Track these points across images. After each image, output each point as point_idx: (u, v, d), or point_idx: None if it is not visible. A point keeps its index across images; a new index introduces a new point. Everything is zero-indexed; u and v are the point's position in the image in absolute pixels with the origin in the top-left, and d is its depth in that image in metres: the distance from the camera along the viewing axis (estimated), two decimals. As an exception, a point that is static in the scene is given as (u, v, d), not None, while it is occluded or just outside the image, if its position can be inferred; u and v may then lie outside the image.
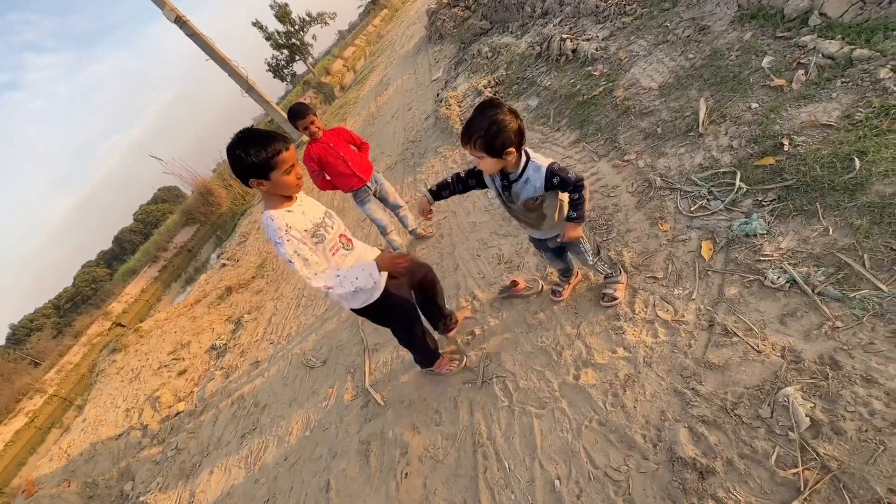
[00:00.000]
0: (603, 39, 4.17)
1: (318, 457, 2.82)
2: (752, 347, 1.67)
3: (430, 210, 1.93)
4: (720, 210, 2.14)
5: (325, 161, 3.19)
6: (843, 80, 2.14)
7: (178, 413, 4.61)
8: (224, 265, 8.13)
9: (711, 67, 2.84)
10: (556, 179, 1.69)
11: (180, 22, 9.18)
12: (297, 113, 3.02)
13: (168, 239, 14.43)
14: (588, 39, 4.31)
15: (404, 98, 8.71)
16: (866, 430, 1.32)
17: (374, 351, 3.26)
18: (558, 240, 1.93)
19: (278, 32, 43.64)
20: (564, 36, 4.62)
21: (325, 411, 3.12)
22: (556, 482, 1.78)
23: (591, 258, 2.07)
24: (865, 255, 1.61)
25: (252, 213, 9.62)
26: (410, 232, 3.97)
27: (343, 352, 3.56)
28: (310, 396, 3.40)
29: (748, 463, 1.45)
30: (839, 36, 2.32)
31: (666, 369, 1.83)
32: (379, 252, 2.01)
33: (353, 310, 2.01)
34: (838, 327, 1.53)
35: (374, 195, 3.55)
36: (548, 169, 1.69)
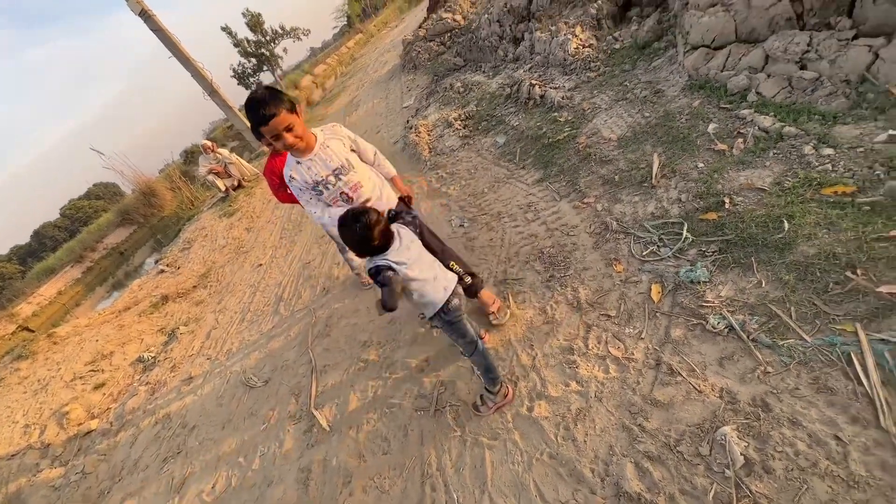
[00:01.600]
0: (569, 90, 4.46)
1: (251, 485, 2.62)
2: (694, 387, 1.77)
3: None
4: (668, 256, 2.31)
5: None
6: (774, 151, 2.42)
7: (88, 432, 4.13)
8: (162, 272, 7.58)
9: (664, 127, 3.11)
10: (371, 272, 1.80)
11: (145, 16, 8.82)
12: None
13: (98, 238, 13.31)
14: (556, 88, 4.61)
15: (374, 121, 8.78)
16: (792, 470, 1.43)
17: (323, 373, 3.14)
18: None
19: (248, 40, 42.98)
20: (534, 81, 4.90)
21: (263, 435, 2.93)
22: (506, 515, 1.77)
23: (463, 354, 2.08)
24: (792, 308, 1.78)
25: (200, 218, 9.11)
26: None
27: (288, 372, 3.39)
28: (247, 418, 3.18)
29: (689, 499, 1.52)
30: (772, 113, 2.64)
31: (615, 405, 1.90)
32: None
33: None
34: (769, 372, 1.67)
35: None
36: (368, 269, 1.81)
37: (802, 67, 2.73)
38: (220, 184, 8.83)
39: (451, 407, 2.32)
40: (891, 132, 2.09)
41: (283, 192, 3.03)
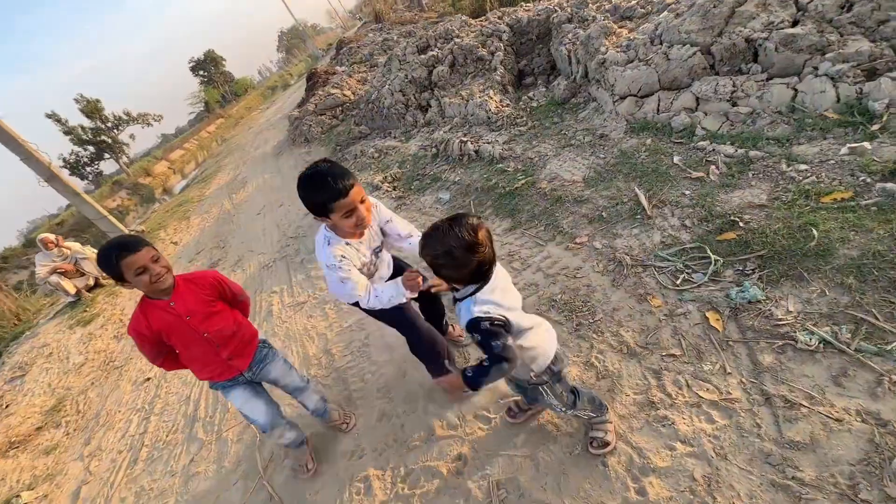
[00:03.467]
0: (504, 143, 4.52)
1: None
2: (828, 416, 1.56)
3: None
4: (706, 282, 2.19)
5: (174, 339, 1.84)
6: (752, 171, 2.58)
7: None
8: (-24, 416, 5.34)
9: (627, 164, 3.21)
10: (476, 336, 1.33)
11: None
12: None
13: None
14: (489, 142, 4.64)
15: (270, 196, 8.01)
16: None
17: (304, 513, 2.25)
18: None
19: (83, 127, 38.53)
20: (463, 139, 4.90)
21: None
22: None
23: (564, 410, 1.69)
24: (874, 310, 1.73)
25: (38, 334, 6.87)
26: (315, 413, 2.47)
27: (242, 524, 2.38)
28: None
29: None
30: (728, 142, 2.87)
31: (747, 459, 1.58)
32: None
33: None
34: (897, 381, 1.54)
35: (252, 381, 2.14)
36: (469, 320, 1.33)
37: (733, 105, 3.08)
38: (69, 285, 6.90)
39: (527, 516, 1.74)
40: (850, 146, 2.36)
41: (167, 357, 1.94)
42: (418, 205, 4.59)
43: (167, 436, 3.45)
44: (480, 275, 1.32)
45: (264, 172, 9.87)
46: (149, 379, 4.42)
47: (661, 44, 3.59)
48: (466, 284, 1.35)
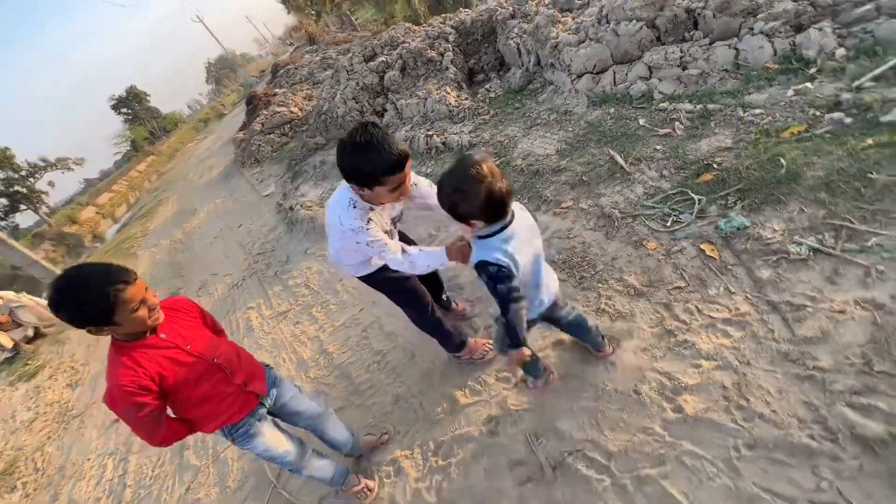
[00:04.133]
0: (470, 132, 4.61)
1: None
2: (831, 311, 1.70)
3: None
4: (693, 220, 2.34)
5: (179, 380, 1.43)
6: (713, 122, 2.80)
7: None
8: None
9: (597, 132, 3.37)
10: (482, 279, 1.36)
11: None
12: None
13: None
14: (456, 133, 4.71)
15: (226, 219, 7.66)
16: None
17: (336, 505, 2.13)
18: None
19: (-8, 179, 35.30)
20: (428, 133, 4.94)
21: None
22: (769, 545, 1.30)
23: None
24: (850, 217, 1.92)
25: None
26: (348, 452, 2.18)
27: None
28: None
29: (936, 411, 1.35)
30: (686, 101, 3.10)
31: (768, 361, 1.68)
32: None
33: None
34: (882, 270, 1.71)
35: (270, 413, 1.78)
36: (477, 262, 1.36)
37: (684, 69, 3.33)
38: (4, 339, 6.19)
39: (572, 455, 1.75)
40: (794, 88, 2.63)
41: (169, 423, 1.48)
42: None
43: (153, 471, 3.16)
44: (495, 210, 1.30)
45: (214, 198, 9.43)
46: (118, 420, 4.03)
47: (608, 23, 3.84)
48: (488, 223, 1.33)
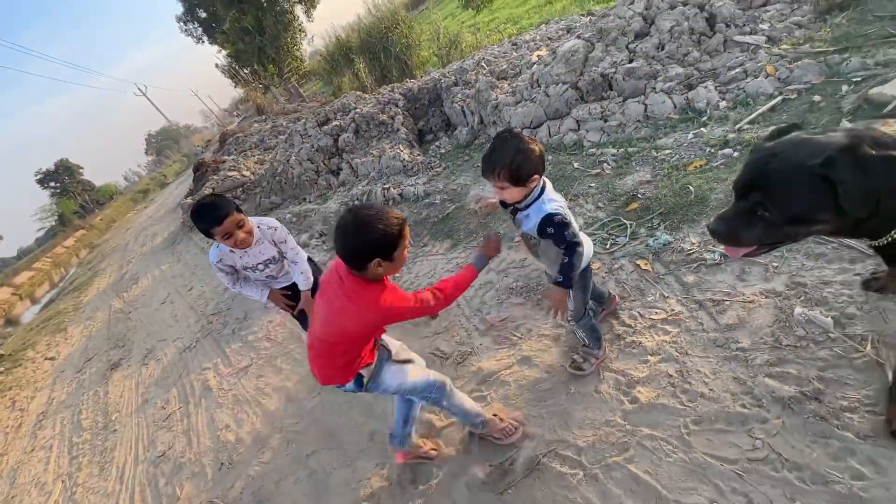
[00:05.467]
0: (425, 183, 4.96)
1: None
2: (744, 301, 2.02)
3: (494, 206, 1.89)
4: (628, 242, 2.69)
5: None
6: (634, 161, 3.29)
7: None
8: None
9: (538, 176, 3.79)
10: (550, 230, 1.56)
11: None
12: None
13: None
14: (410, 185, 5.04)
15: (175, 283, 7.37)
16: (865, 303, 1.76)
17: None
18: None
19: None
20: (386, 186, 5.24)
21: None
22: None
23: (570, 318, 1.94)
24: (747, 226, 2.33)
25: None
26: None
27: None
28: None
29: (830, 370, 1.64)
30: (611, 147, 3.61)
31: (701, 349, 1.95)
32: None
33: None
34: (777, 266, 2.09)
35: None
36: (544, 217, 1.56)
37: (605, 121, 3.91)
38: None
39: (546, 456, 1.87)
40: (693, 132, 3.19)
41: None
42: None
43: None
44: (544, 162, 1.58)
45: (160, 264, 9.05)
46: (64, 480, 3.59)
47: (539, 86, 4.44)
48: (540, 176, 1.57)
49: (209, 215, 2.03)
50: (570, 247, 1.56)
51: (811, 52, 3.23)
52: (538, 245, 1.72)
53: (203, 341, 4.85)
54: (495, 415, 2.05)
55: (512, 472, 1.90)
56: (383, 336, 1.81)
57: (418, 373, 1.81)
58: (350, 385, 1.70)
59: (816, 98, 2.88)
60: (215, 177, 10.90)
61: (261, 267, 2.38)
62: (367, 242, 1.40)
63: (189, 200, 10.95)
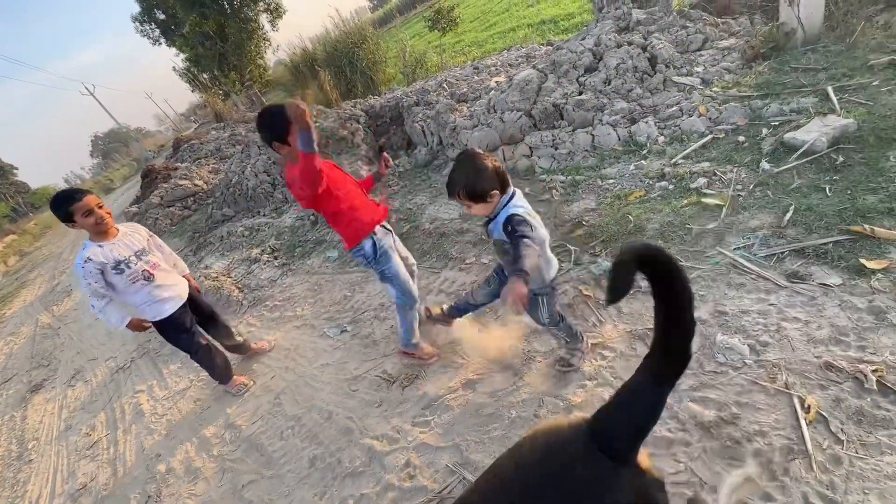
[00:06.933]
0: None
1: None
2: (673, 328, 2.14)
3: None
4: (572, 268, 2.79)
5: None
6: (581, 189, 3.44)
7: None
8: None
9: (492, 199, 3.88)
10: (509, 227, 1.67)
11: None
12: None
13: None
14: (368, 202, 5.01)
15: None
16: (775, 331, 1.91)
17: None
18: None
19: None
20: (342, 203, 5.19)
21: None
22: None
23: (545, 323, 2.06)
24: (680, 256, 2.48)
25: None
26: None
27: None
28: None
29: (748, 395, 1.76)
30: (560, 174, 3.76)
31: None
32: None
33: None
34: (703, 294, 2.22)
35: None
36: (507, 217, 1.69)
37: (556, 149, 4.07)
38: None
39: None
40: (634, 164, 3.38)
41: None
42: (306, 267, 4.60)
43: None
44: (503, 179, 1.71)
45: (97, 276, 8.45)
46: None
47: (495, 111, 4.58)
48: (501, 192, 1.72)
49: (69, 196, 2.28)
50: (519, 238, 1.62)
51: (738, 95, 3.53)
52: (510, 252, 1.77)
53: (139, 361, 4.55)
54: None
55: (450, 499, 1.89)
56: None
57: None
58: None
59: (741, 139, 3.14)
60: (165, 185, 10.42)
61: (133, 259, 2.50)
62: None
63: (135, 209, 10.37)
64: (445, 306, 2.54)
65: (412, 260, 2.66)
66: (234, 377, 3.25)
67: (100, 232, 2.44)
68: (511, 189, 1.78)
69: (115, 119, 34.53)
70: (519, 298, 1.50)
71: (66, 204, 2.30)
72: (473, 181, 1.66)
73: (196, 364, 3.13)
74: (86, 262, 2.37)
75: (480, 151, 1.75)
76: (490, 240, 1.92)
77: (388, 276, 2.34)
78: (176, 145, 17.26)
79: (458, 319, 2.60)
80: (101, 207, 2.38)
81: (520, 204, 1.76)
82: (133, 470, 3.03)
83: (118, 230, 2.56)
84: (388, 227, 2.40)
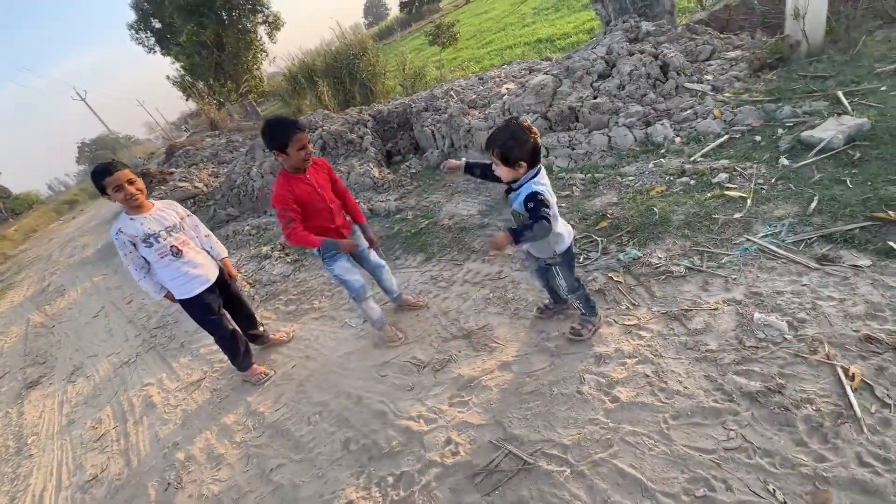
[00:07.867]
0: (395, 200, 4.99)
1: None
2: (709, 309, 2.20)
3: (456, 171, 2.12)
4: (600, 257, 2.85)
5: (307, 206, 2.39)
6: (601, 185, 3.52)
7: None
8: None
9: (511, 196, 3.95)
10: (531, 204, 1.79)
11: None
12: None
13: None
14: (382, 201, 5.05)
15: (111, 295, 6.78)
16: (811, 308, 1.98)
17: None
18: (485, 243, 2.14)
19: None
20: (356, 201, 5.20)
21: None
22: (704, 492, 1.55)
23: (565, 293, 2.23)
24: (707, 245, 2.56)
25: None
26: (394, 299, 3.20)
27: None
28: None
29: (789, 367, 1.81)
30: (579, 172, 3.85)
31: (675, 351, 2.08)
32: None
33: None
34: (735, 278, 2.30)
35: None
36: (529, 193, 1.80)
37: (573, 149, 4.18)
38: None
39: (533, 456, 1.89)
40: (653, 162, 3.49)
41: (298, 223, 2.34)
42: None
43: None
44: (537, 156, 1.80)
45: (91, 276, 8.28)
46: None
47: (510, 114, 4.69)
48: (528, 166, 1.81)
49: (104, 169, 2.33)
50: (538, 219, 1.74)
51: (750, 100, 3.69)
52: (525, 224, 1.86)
53: (145, 356, 4.45)
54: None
55: (498, 472, 1.89)
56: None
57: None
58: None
59: (757, 138, 3.27)
60: (163, 187, 10.29)
61: (164, 234, 2.53)
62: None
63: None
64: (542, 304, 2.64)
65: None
66: (255, 366, 3.21)
67: (132, 206, 2.47)
68: (539, 166, 1.87)
69: (105, 125, 34.21)
70: (492, 245, 1.75)
71: (99, 177, 2.35)
72: (511, 146, 1.76)
73: (209, 356, 3.10)
74: (118, 233, 2.45)
75: (529, 123, 1.82)
76: (508, 208, 2.03)
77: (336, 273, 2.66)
78: (169, 151, 17.09)
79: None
80: (131, 183, 2.41)
81: (543, 182, 1.86)
82: (149, 460, 2.94)
83: (153, 205, 2.59)
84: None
